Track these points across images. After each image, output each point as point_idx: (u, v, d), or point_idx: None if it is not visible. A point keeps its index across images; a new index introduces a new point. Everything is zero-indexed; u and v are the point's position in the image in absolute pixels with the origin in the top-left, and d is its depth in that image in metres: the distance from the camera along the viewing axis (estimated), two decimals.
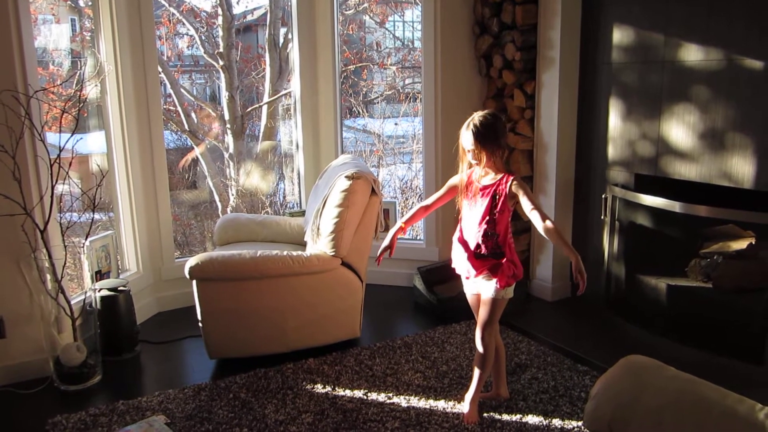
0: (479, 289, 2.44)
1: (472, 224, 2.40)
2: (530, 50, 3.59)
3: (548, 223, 2.25)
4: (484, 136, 2.31)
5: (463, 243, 2.44)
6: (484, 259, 2.39)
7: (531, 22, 3.55)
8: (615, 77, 3.30)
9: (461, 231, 2.46)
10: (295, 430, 2.41)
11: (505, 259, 2.38)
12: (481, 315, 2.43)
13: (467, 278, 2.48)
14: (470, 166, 2.42)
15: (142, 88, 3.45)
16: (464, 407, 2.50)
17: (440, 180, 3.91)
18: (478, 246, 2.38)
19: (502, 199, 2.34)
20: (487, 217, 2.36)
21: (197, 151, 6.10)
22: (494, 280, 2.37)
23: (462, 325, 3.33)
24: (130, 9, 3.35)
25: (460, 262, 2.48)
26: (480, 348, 2.42)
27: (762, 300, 2.87)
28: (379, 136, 6.21)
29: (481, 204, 2.37)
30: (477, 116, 2.33)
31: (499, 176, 2.36)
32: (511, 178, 2.34)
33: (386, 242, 2.46)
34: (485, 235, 2.37)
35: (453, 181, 2.49)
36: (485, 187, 2.37)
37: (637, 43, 3.15)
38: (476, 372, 2.46)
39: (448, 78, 3.81)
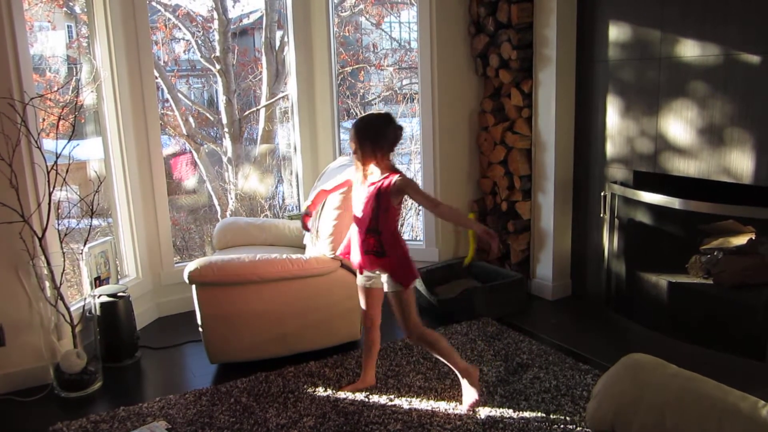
0: (374, 283, 2.54)
1: (359, 219, 2.45)
2: (527, 49, 3.59)
3: (440, 207, 2.37)
4: (361, 132, 2.38)
5: (355, 236, 2.50)
6: (366, 255, 2.46)
7: (527, 20, 3.55)
8: (612, 74, 3.29)
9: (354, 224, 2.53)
10: None
11: (387, 260, 2.42)
12: (396, 314, 2.50)
13: (359, 271, 2.56)
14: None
15: (138, 94, 3.45)
16: (464, 406, 2.52)
17: (439, 180, 3.91)
18: (363, 241, 2.44)
19: (384, 196, 2.37)
20: (371, 214, 2.40)
21: (195, 156, 6.09)
22: (387, 274, 2.45)
23: (463, 326, 3.32)
24: (126, 14, 3.35)
25: (354, 254, 2.54)
26: (417, 344, 2.55)
27: (763, 295, 2.86)
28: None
29: (366, 200, 2.41)
30: (364, 115, 2.44)
31: (384, 175, 2.39)
32: (396, 175, 2.37)
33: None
34: (368, 231, 2.42)
35: (351, 173, 2.55)
36: (371, 184, 2.41)
37: (633, 39, 3.14)
38: (445, 360, 2.55)
39: (445, 78, 3.80)
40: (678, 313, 3.13)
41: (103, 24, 3.28)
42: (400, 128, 2.44)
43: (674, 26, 2.92)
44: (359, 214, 2.44)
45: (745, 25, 2.63)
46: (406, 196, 2.45)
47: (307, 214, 2.62)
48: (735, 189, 2.81)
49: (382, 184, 2.37)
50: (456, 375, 2.62)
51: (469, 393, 2.54)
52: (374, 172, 2.42)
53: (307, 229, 2.67)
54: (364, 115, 2.45)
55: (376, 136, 2.37)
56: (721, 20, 2.71)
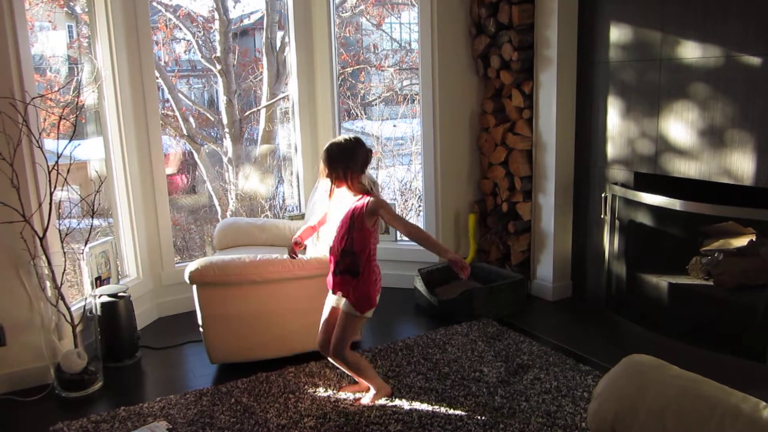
0: (339, 303, 2.53)
1: (335, 240, 2.47)
2: (527, 50, 3.59)
3: (411, 229, 2.40)
4: (333, 157, 2.41)
5: (330, 256, 2.52)
6: (340, 275, 2.47)
7: (528, 21, 3.55)
8: (613, 75, 3.29)
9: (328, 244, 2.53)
10: None
11: (356, 281, 2.44)
12: (335, 330, 2.51)
13: (333, 291, 2.56)
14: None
15: (139, 94, 3.45)
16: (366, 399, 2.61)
17: (439, 181, 3.91)
18: (337, 262, 2.47)
19: (359, 218, 2.40)
20: (345, 236, 2.42)
21: (195, 156, 6.09)
22: (346, 298, 2.47)
23: (463, 327, 3.32)
24: (127, 14, 3.35)
25: (328, 275, 2.56)
26: (334, 360, 2.57)
27: (764, 297, 2.86)
28: (377, 138, 6.21)
29: (341, 223, 2.44)
30: (334, 140, 2.47)
31: (357, 197, 2.43)
32: (369, 198, 2.40)
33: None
34: (343, 252, 2.44)
35: (326, 204, 2.58)
36: (346, 206, 2.44)
37: (634, 41, 3.14)
38: (361, 377, 2.62)
39: (446, 79, 3.81)
40: (678, 315, 3.13)
41: (104, 24, 3.28)
42: (370, 150, 2.50)
43: (675, 28, 2.92)
44: (334, 236, 2.47)
45: (746, 27, 2.64)
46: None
47: (297, 244, 2.65)
48: (735, 190, 2.81)
49: (356, 206, 2.41)
50: (458, 377, 2.62)
51: (374, 395, 2.62)
52: (347, 195, 2.46)
53: (294, 257, 2.71)
54: (333, 141, 2.47)
55: (348, 160, 2.41)
56: (722, 21, 2.72)
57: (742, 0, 2.64)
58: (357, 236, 2.40)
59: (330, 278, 2.55)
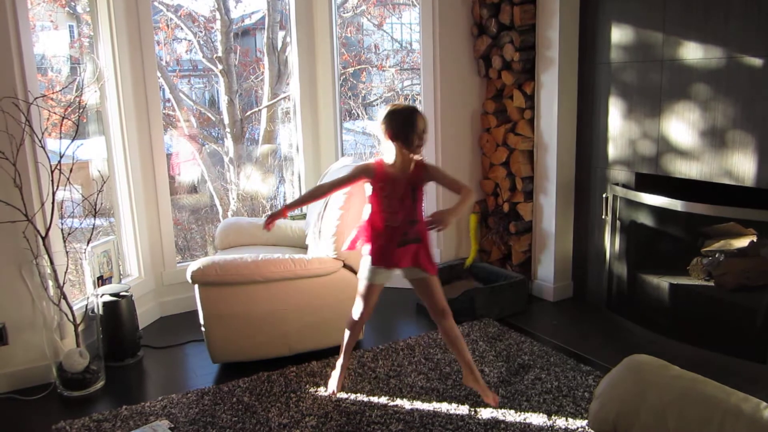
0: (412, 275, 2.49)
1: (393, 214, 2.41)
2: (529, 50, 3.60)
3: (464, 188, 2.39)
4: (407, 122, 2.35)
5: (387, 232, 2.43)
6: (404, 246, 2.43)
7: (529, 22, 3.55)
8: (614, 76, 3.30)
9: (382, 220, 2.43)
10: None
11: (422, 243, 2.45)
12: (437, 296, 2.49)
13: (387, 267, 2.48)
14: (411, 152, 2.38)
15: (141, 93, 3.45)
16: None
17: None
18: (403, 233, 2.42)
19: (420, 185, 2.42)
20: (410, 206, 2.42)
21: (197, 157, 6.09)
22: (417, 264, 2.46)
23: (465, 327, 3.32)
24: (129, 14, 3.36)
25: (383, 252, 2.46)
26: (451, 325, 2.52)
27: (764, 298, 2.87)
28: (378, 138, 6.21)
29: (399, 194, 2.40)
30: (400, 104, 2.42)
31: (412, 165, 2.41)
32: (422, 162, 2.42)
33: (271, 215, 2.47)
34: (411, 223, 2.42)
35: (363, 166, 2.48)
36: (407, 173, 2.40)
37: (635, 41, 3.15)
38: (460, 346, 2.56)
39: (447, 79, 3.81)
40: (679, 315, 3.13)
41: (106, 24, 3.29)
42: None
43: (676, 28, 2.93)
44: (396, 206, 2.40)
45: (747, 28, 2.64)
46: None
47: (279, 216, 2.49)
48: (737, 191, 2.81)
49: (416, 173, 2.40)
50: (459, 377, 2.62)
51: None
52: (406, 162, 2.41)
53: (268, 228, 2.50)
54: (399, 106, 2.39)
55: (410, 127, 2.35)
56: (723, 23, 2.72)
57: (743, 1, 2.64)
58: (418, 204, 2.43)
59: (380, 254, 2.45)
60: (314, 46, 4.03)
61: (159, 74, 3.80)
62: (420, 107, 3.81)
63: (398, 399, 2.63)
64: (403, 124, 2.35)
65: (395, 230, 2.42)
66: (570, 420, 2.43)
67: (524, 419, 2.45)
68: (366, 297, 2.55)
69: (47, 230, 2.76)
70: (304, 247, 3.46)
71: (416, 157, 2.41)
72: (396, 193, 2.40)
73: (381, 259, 2.46)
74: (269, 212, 2.51)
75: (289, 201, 2.56)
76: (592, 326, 3.38)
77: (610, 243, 3.40)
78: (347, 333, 2.66)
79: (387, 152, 2.42)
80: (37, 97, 2.71)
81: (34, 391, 2.79)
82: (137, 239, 3.52)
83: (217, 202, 6.12)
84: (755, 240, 3.11)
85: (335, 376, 2.72)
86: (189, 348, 3.26)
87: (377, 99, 6.40)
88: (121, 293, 3.09)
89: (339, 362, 2.72)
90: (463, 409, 2.53)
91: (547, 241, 3.72)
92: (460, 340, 2.55)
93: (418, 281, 2.51)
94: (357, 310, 2.59)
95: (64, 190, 2.92)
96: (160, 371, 3.05)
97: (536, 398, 2.60)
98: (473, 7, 3.80)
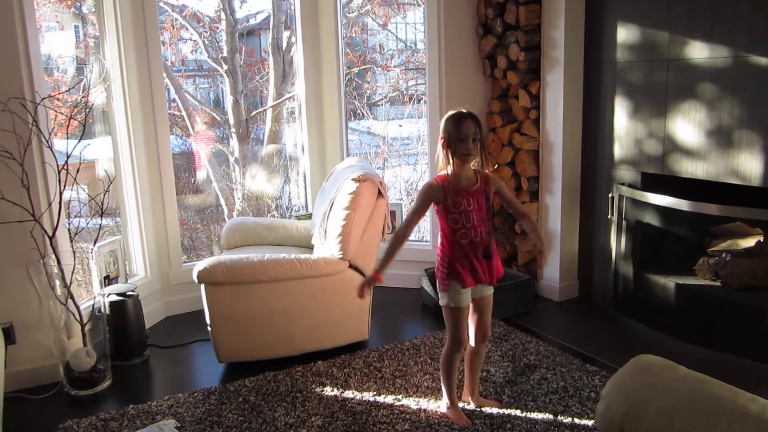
0: (481, 293, 2.39)
1: (476, 228, 2.28)
2: (534, 50, 3.59)
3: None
4: (479, 124, 2.22)
5: (472, 248, 2.29)
6: (487, 259, 2.33)
7: (535, 22, 3.55)
8: (620, 76, 3.29)
9: (464, 237, 2.27)
10: None
11: (493, 257, 2.35)
12: (488, 317, 2.45)
13: (474, 284, 2.33)
14: (464, 160, 2.23)
15: (147, 94, 3.47)
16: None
17: None
18: (485, 247, 2.30)
19: (492, 197, 2.32)
20: (485, 219, 2.30)
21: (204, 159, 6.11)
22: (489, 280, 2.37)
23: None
24: (135, 15, 3.37)
25: (469, 269, 2.30)
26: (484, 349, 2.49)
27: None
28: (383, 138, 6.21)
29: (477, 207, 2.28)
30: (458, 109, 2.24)
31: (475, 175, 2.30)
32: (490, 176, 2.32)
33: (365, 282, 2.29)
34: (489, 235, 2.32)
35: (430, 190, 2.28)
36: (476, 184, 2.28)
37: (641, 41, 3.14)
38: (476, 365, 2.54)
39: (452, 79, 3.81)
40: (686, 315, 3.12)
41: (113, 24, 3.30)
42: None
43: (682, 28, 2.92)
44: (475, 219, 2.26)
45: (754, 27, 2.63)
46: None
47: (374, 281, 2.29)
48: (743, 191, 2.80)
49: (484, 184, 2.29)
50: (462, 377, 2.62)
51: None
52: (468, 171, 2.28)
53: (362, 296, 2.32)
54: (462, 109, 2.23)
55: (456, 132, 2.22)
56: (730, 22, 2.71)
57: (749, 0, 2.63)
58: (491, 216, 2.34)
59: (468, 273, 2.29)
60: (319, 46, 4.04)
61: (164, 74, 3.81)
62: (424, 108, 3.80)
63: (404, 399, 2.63)
64: (451, 129, 2.21)
65: (478, 245, 2.28)
66: (576, 420, 2.43)
67: (530, 419, 2.45)
68: (461, 323, 2.35)
69: (54, 230, 2.77)
70: (309, 247, 3.47)
71: (484, 170, 2.30)
72: (471, 205, 2.26)
73: (473, 278, 2.30)
74: (362, 279, 2.30)
75: (376, 265, 2.34)
76: (598, 326, 3.37)
77: (616, 243, 3.39)
78: (446, 372, 2.44)
79: (443, 162, 2.27)
80: (44, 98, 2.73)
81: (42, 390, 2.81)
82: (143, 239, 3.53)
83: (222, 201, 6.13)
84: (762, 240, 3.10)
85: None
86: (195, 347, 3.27)
87: (382, 99, 6.40)
88: (128, 293, 3.10)
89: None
90: (470, 410, 2.53)
91: (552, 240, 3.71)
92: (482, 363, 2.57)
93: (479, 300, 2.39)
94: (455, 343, 2.37)
95: (71, 190, 2.93)
96: (167, 370, 3.06)
97: (542, 398, 2.60)
98: (478, 7, 3.79)
